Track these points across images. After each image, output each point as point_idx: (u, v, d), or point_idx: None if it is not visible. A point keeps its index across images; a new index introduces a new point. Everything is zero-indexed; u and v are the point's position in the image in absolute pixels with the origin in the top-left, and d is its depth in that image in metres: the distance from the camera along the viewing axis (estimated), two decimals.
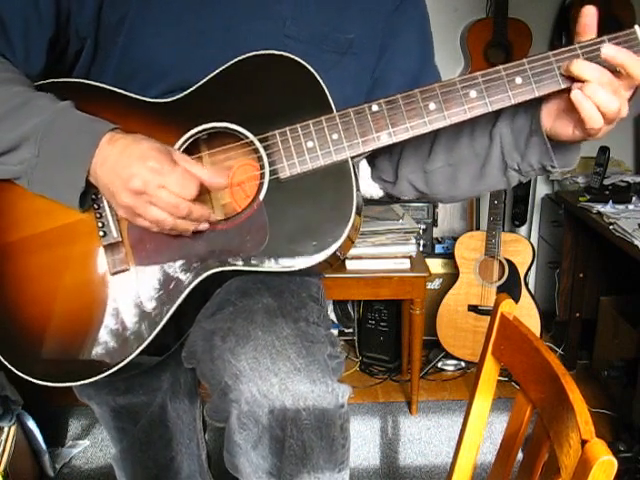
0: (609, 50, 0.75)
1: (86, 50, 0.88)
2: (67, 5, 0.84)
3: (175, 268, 0.84)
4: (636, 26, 0.78)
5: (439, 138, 0.93)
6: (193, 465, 1.14)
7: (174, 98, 0.85)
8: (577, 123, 0.78)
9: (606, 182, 2.20)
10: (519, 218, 2.63)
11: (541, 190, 2.69)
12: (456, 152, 0.92)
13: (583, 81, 0.75)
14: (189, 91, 0.85)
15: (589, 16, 0.77)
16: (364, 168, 1.11)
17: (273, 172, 0.83)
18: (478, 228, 2.53)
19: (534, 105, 0.82)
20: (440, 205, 2.53)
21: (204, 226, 0.82)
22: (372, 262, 2.00)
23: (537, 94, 0.79)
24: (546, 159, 0.84)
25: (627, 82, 0.75)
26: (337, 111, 0.82)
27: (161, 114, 0.85)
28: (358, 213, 0.84)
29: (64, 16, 0.84)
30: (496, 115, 0.85)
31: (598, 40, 0.77)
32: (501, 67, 0.80)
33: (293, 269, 0.82)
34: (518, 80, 0.79)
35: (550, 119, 0.82)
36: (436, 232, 2.55)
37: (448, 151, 0.93)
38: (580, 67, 0.75)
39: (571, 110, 0.77)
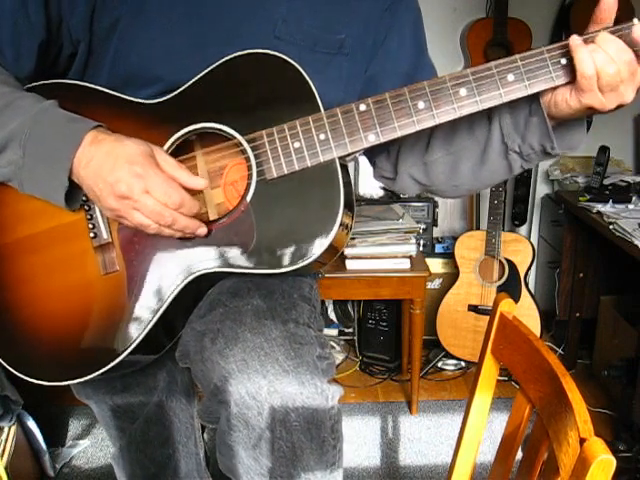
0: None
1: (79, 54, 0.89)
2: (58, 10, 0.84)
3: (164, 269, 0.85)
4: (635, 19, 0.76)
5: (437, 128, 0.91)
6: (191, 463, 1.14)
7: (163, 99, 0.86)
8: (573, 88, 0.76)
9: (606, 182, 2.20)
10: (519, 218, 2.63)
11: (541, 190, 2.69)
12: (455, 140, 0.91)
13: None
14: (178, 92, 0.85)
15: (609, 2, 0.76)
16: (368, 167, 1.10)
17: (260, 173, 0.82)
18: (478, 228, 2.53)
19: None
20: (440, 205, 2.53)
21: (190, 235, 0.82)
22: (372, 262, 2.00)
23: (529, 92, 0.78)
24: (546, 140, 0.83)
25: None
26: (325, 111, 0.82)
27: (150, 115, 0.85)
28: (347, 212, 0.83)
29: (55, 21, 0.85)
30: None
31: (596, 33, 0.76)
32: (493, 64, 0.79)
33: (281, 271, 0.82)
34: (510, 77, 0.78)
35: (550, 92, 0.80)
36: (436, 232, 2.55)
37: (447, 139, 0.92)
38: (604, 38, 0.74)
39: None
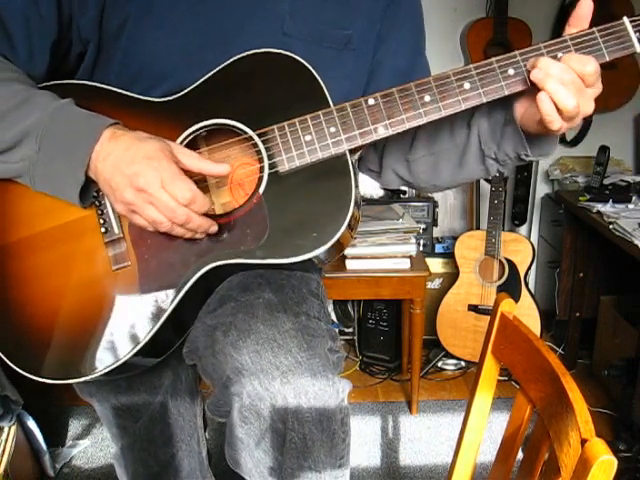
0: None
1: (89, 53, 0.89)
2: (69, 8, 0.84)
3: (176, 263, 0.84)
4: (625, 17, 0.79)
5: (421, 129, 0.94)
6: (193, 462, 1.14)
7: (173, 97, 0.86)
8: (540, 119, 0.79)
9: (606, 181, 2.20)
10: (519, 217, 2.63)
11: (541, 190, 2.69)
12: (437, 142, 0.95)
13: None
14: (188, 90, 0.86)
15: (584, 8, 0.78)
16: None
17: (272, 166, 0.83)
18: (478, 227, 2.53)
19: (510, 97, 0.84)
20: (440, 205, 2.53)
21: (200, 236, 0.82)
22: (372, 262, 2.00)
23: (529, 84, 0.80)
24: (521, 148, 0.86)
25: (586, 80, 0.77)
26: (334, 105, 0.83)
27: (161, 113, 0.86)
28: (357, 205, 0.84)
29: (66, 19, 0.85)
30: (474, 107, 0.86)
31: (589, 31, 0.79)
32: (494, 59, 0.81)
33: (293, 261, 0.82)
34: (510, 71, 0.81)
35: (521, 111, 0.84)
36: (436, 232, 2.55)
37: (429, 141, 0.95)
38: (544, 64, 0.76)
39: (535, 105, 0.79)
